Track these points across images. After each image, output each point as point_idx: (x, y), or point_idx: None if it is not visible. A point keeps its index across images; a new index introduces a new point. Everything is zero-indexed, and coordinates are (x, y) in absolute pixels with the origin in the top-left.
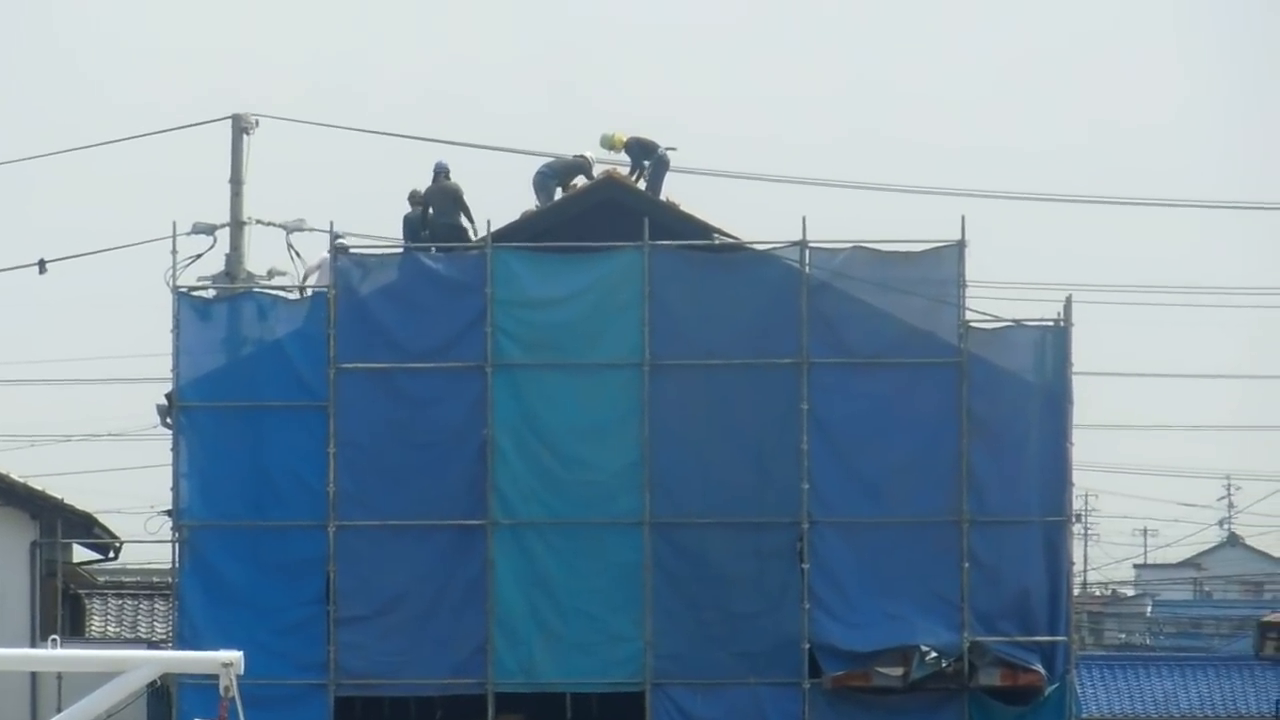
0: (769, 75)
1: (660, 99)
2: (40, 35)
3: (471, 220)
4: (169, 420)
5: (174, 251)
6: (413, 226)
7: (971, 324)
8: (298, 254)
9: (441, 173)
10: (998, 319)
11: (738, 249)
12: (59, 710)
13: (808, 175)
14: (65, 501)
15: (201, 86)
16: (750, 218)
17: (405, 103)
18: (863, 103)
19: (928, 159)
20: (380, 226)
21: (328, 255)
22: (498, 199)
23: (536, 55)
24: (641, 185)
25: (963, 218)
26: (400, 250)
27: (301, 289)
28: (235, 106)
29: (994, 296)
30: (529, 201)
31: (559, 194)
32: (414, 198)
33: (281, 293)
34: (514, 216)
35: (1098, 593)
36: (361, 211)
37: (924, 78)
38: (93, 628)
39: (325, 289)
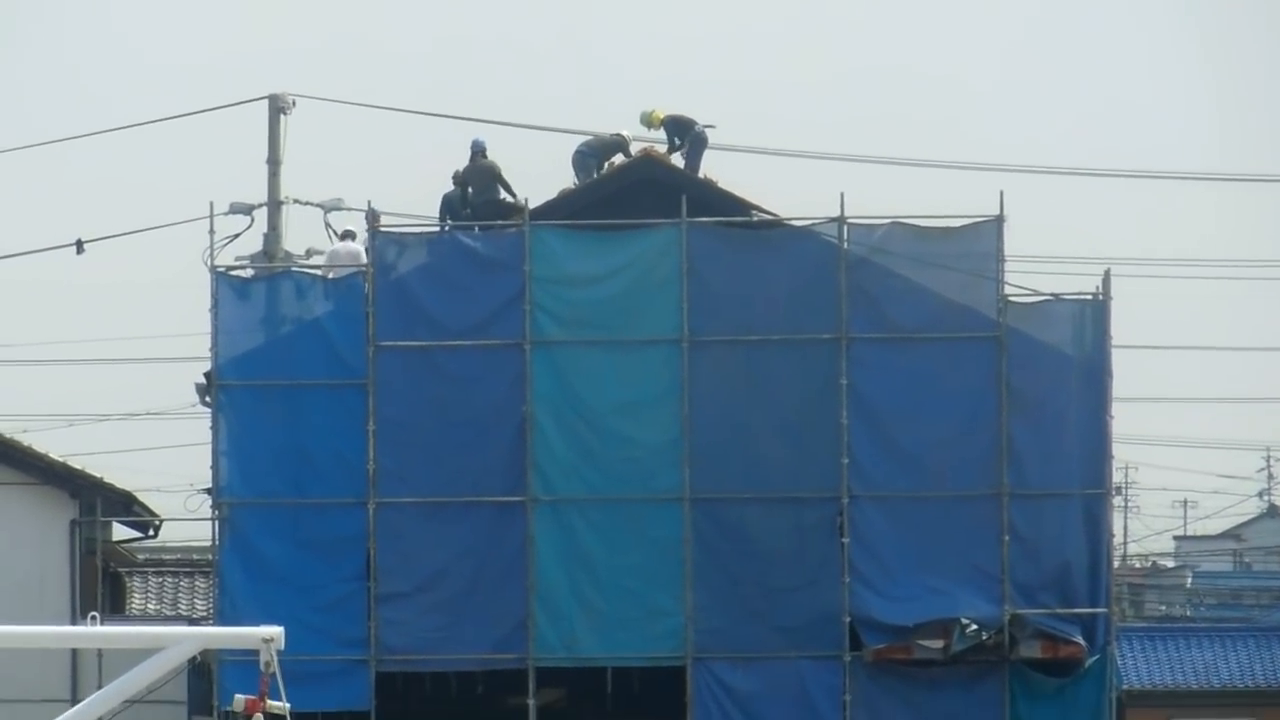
0: (803, 53)
1: (693, 78)
2: (78, 15)
3: (513, 194)
4: (208, 399)
5: (211, 231)
6: (452, 206)
7: (1010, 298)
8: (335, 233)
9: (479, 151)
10: (1036, 293)
11: (776, 225)
12: (100, 687)
13: (844, 152)
14: (104, 480)
15: (234, 66)
16: (788, 194)
17: (437, 81)
18: (894, 80)
19: (964, 135)
20: (417, 205)
21: (342, 244)
22: (535, 177)
23: (567, 33)
24: (679, 163)
25: (1001, 193)
26: (438, 229)
27: (326, 274)
28: (268, 87)
29: (1032, 271)
30: (567, 180)
31: (597, 173)
32: (457, 178)
33: (319, 272)
34: (552, 195)
35: (1138, 565)
36: (398, 190)
37: (955, 53)
38: (133, 605)
39: (363, 268)
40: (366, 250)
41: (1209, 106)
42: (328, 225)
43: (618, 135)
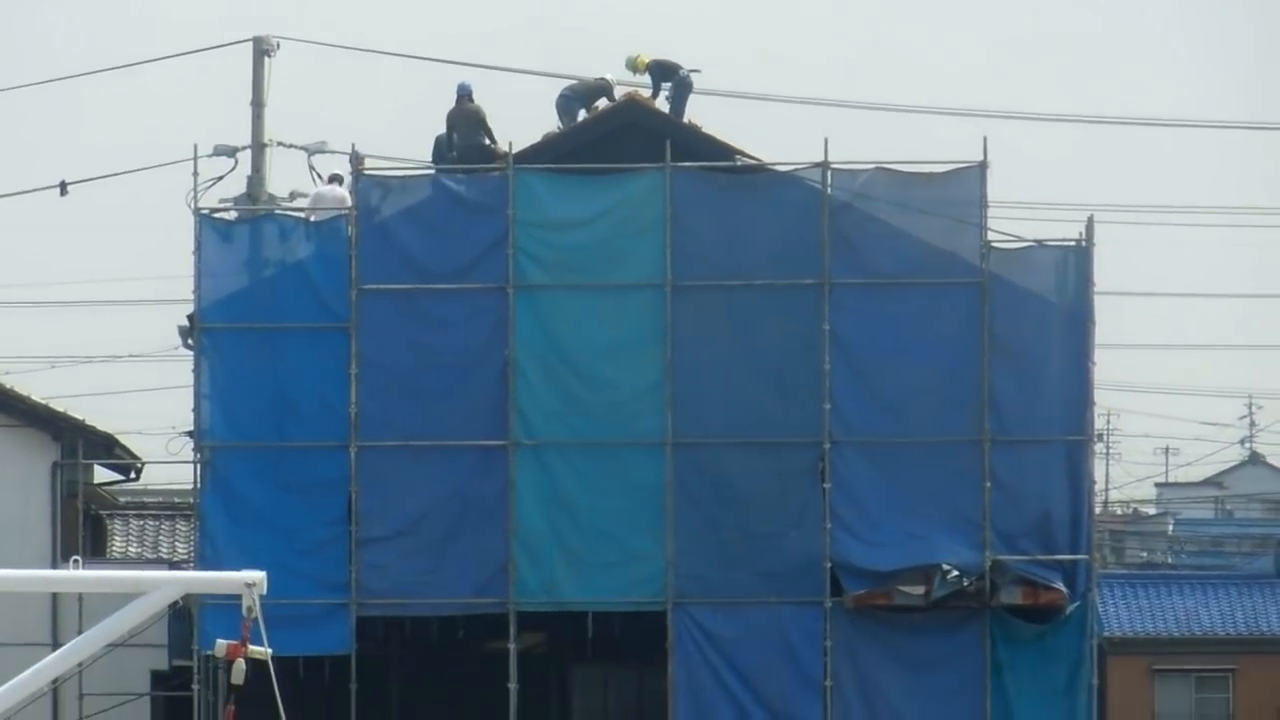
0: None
1: (678, 18)
2: None
3: (494, 141)
4: (190, 342)
5: (195, 174)
6: (441, 149)
7: (993, 244)
8: (319, 175)
9: (465, 94)
10: (1019, 239)
11: (759, 170)
12: (80, 631)
13: (828, 96)
14: (86, 422)
15: (221, 6)
16: (772, 139)
17: (422, 23)
18: (879, 21)
19: (948, 79)
20: (402, 148)
21: (327, 187)
22: (519, 121)
23: None
24: (664, 107)
25: (984, 138)
26: (422, 172)
27: (309, 217)
28: (255, 28)
29: (1016, 217)
30: (551, 124)
31: (582, 116)
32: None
33: (303, 215)
34: (536, 139)
35: (1119, 511)
36: (383, 133)
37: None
38: (114, 548)
39: (348, 211)
40: (351, 194)
41: (1194, 52)
42: (311, 168)
43: (602, 79)
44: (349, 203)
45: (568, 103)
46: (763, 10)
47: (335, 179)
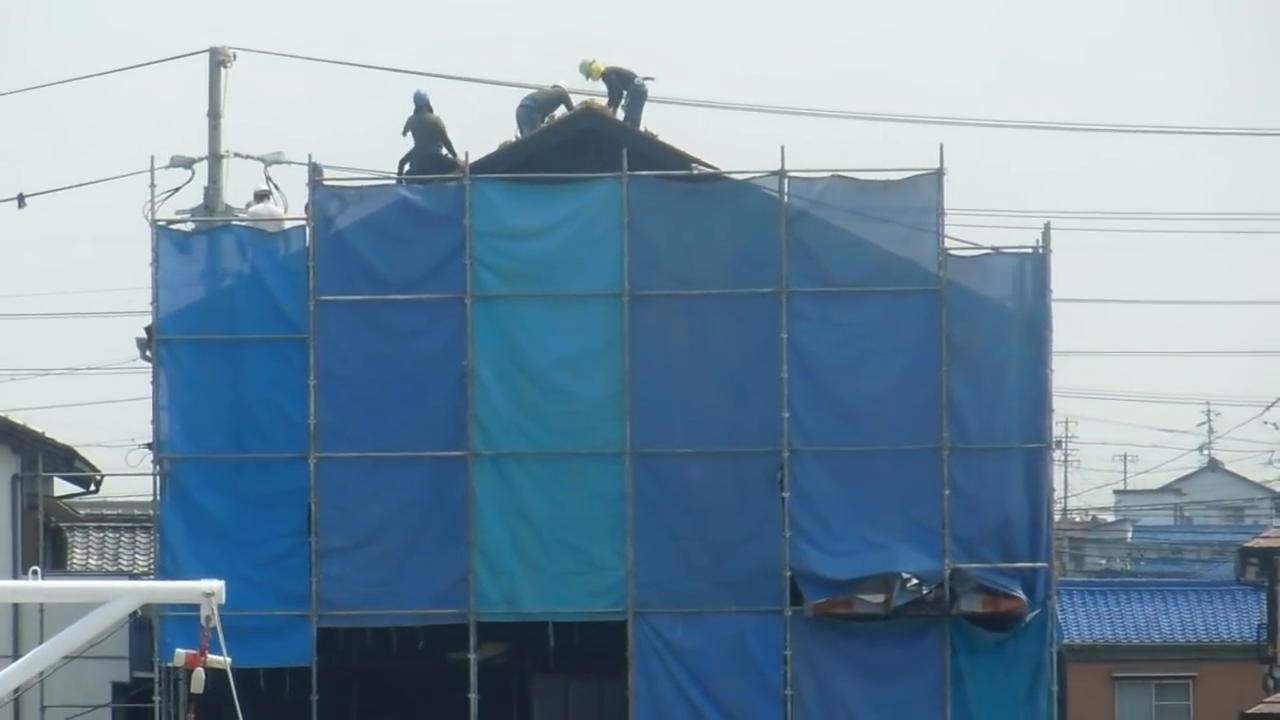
0: (742, 6)
1: (637, 28)
2: None
3: (453, 152)
4: (149, 353)
5: (152, 185)
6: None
7: (950, 252)
8: (276, 186)
9: (422, 104)
10: (976, 247)
11: (716, 179)
12: (41, 641)
13: (784, 105)
14: (46, 435)
15: (177, 19)
16: (728, 148)
17: (378, 34)
18: (840, 37)
19: (903, 91)
20: (358, 158)
21: (260, 205)
22: (476, 130)
23: None
24: (619, 115)
25: (941, 145)
26: (379, 182)
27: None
28: (211, 40)
29: (973, 225)
30: (508, 133)
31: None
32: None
33: (265, 221)
34: (493, 148)
35: (1078, 519)
36: (340, 143)
37: (895, 11)
38: (74, 561)
39: (304, 220)
40: (306, 205)
41: (1147, 58)
42: (268, 179)
43: (556, 87)
44: (280, 216)
45: (528, 113)
46: (716, 19)
47: (263, 195)
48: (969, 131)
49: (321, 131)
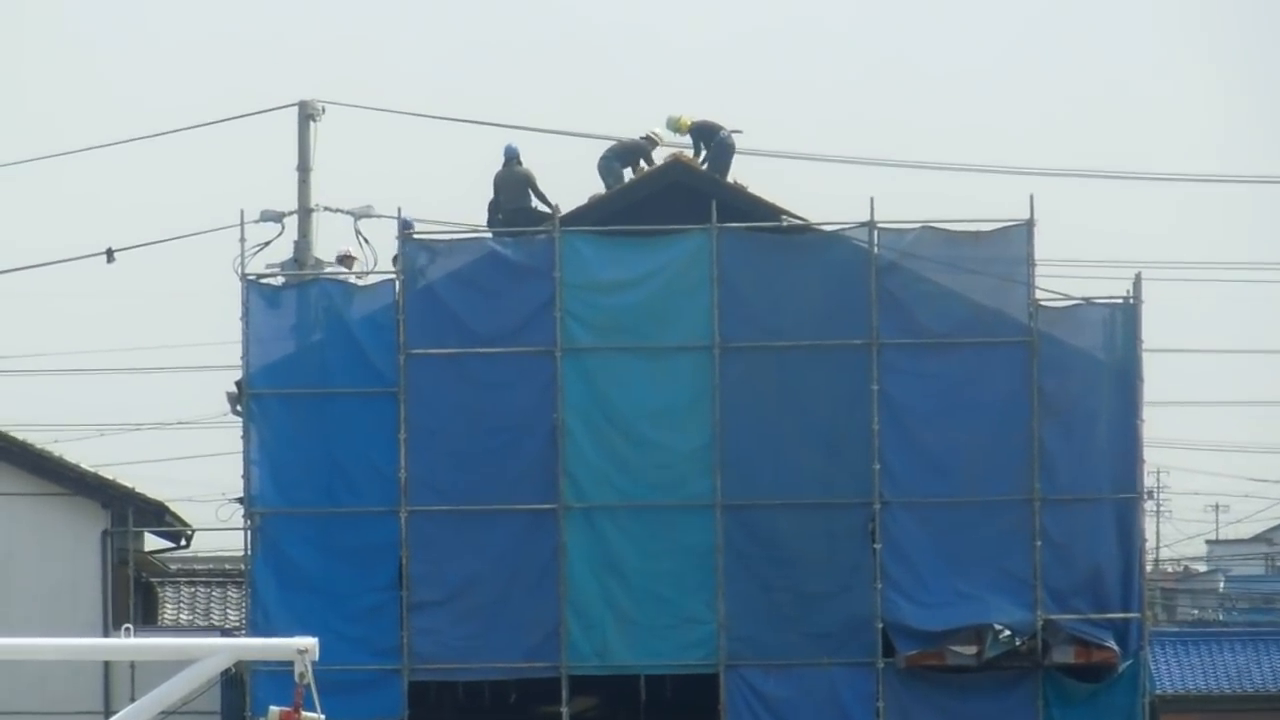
0: (824, 54)
1: (717, 82)
2: (104, 24)
3: (547, 203)
4: (239, 408)
5: (242, 239)
6: (490, 213)
7: (1041, 303)
8: (366, 240)
9: (512, 158)
10: (1067, 297)
11: (806, 230)
12: (133, 699)
13: (872, 155)
14: (136, 490)
15: (266, 73)
16: (817, 199)
17: (455, 86)
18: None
19: (992, 138)
20: (447, 211)
21: (340, 267)
22: (564, 183)
23: (574, 36)
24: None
25: (1031, 196)
26: (469, 235)
27: (358, 280)
28: (301, 93)
29: (1063, 275)
30: (595, 186)
31: (626, 174)
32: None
33: (351, 278)
34: (582, 200)
35: (1170, 569)
36: (429, 196)
37: (980, 54)
38: (165, 616)
39: (394, 275)
40: (395, 259)
41: (1241, 106)
42: (358, 232)
43: (648, 135)
44: (360, 283)
45: (608, 163)
46: (799, 69)
47: (345, 259)
48: (1059, 181)
49: (411, 184)
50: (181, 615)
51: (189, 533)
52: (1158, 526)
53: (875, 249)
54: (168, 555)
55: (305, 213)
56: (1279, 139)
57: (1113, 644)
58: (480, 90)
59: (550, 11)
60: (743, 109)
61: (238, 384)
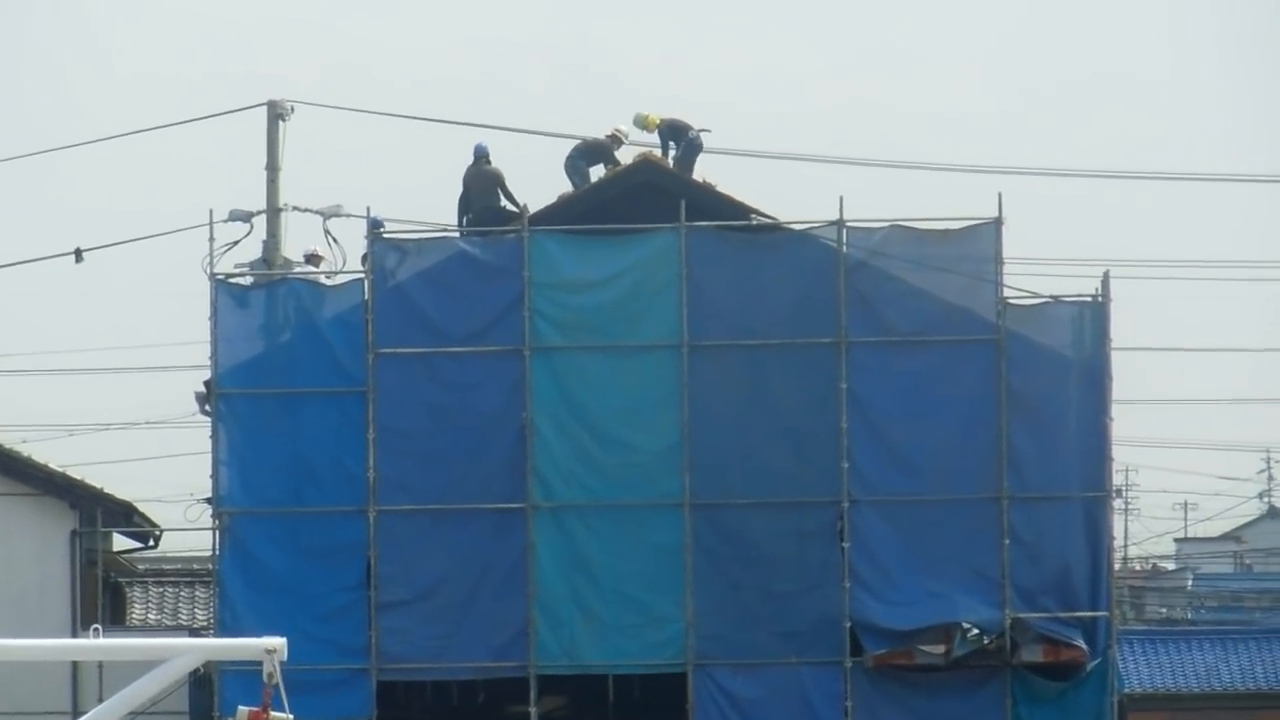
0: (784, 50)
1: (684, 75)
2: (70, 25)
3: (515, 203)
4: (208, 408)
5: (211, 239)
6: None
7: (1009, 301)
8: (335, 239)
9: (481, 156)
10: (1035, 295)
11: (775, 229)
12: (100, 699)
13: (841, 154)
14: (104, 490)
15: (235, 73)
16: (786, 198)
17: (424, 84)
18: (881, 75)
19: (956, 135)
20: (417, 210)
21: (308, 266)
22: (532, 182)
23: (554, 33)
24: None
25: (999, 194)
26: (438, 235)
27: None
28: (269, 93)
29: (1031, 273)
30: (564, 185)
31: (594, 173)
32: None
33: (320, 278)
34: (550, 200)
35: (1138, 567)
36: (398, 195)
37: (949, 51)
38: (134, 616)
39: (364, 274)
40: (364, 258)
41: (1209, 105)
42: (327, 232)
43: (613, 132)
44: (328, 284)
45: (574, 162)
46: (770, 68)
47: (312, 258)
48: (1026, 179)
49: (380, 184)
50: (150, 615)
51: (157, 533)
52: (1126, 524)
53: (844, 248)
54: (136, 555)
55: (274, 212)
56: (1250, 137)
57: (1081, 643)
58: (454, 89)
59: (524, 11)
60: (710, 105)
61: (206, 384)
